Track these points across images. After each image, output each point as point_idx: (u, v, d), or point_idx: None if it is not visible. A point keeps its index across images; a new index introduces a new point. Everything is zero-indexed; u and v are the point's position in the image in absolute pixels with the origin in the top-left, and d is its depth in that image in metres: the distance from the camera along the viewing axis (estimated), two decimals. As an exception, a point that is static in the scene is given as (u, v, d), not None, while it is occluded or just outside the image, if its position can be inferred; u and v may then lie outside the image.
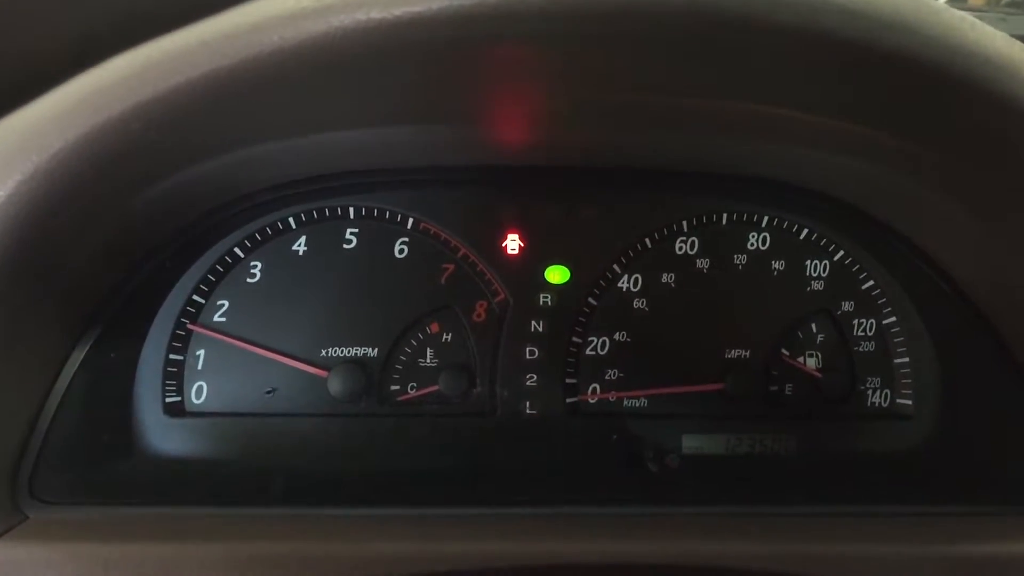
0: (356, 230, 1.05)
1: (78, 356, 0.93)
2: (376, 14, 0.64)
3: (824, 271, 1.07)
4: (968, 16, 0.69)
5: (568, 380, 1.05)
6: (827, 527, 0.86)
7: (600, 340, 1.06)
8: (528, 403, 1.04)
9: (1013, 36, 0.69)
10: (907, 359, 1.06)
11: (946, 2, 0.81)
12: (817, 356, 1.06)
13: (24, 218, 0.76)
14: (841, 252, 1.07)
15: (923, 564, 0.82)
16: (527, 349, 1.05)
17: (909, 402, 1.06)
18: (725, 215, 1.07)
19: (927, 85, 0.68)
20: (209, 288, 1.03)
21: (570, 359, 1.06)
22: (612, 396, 1.05)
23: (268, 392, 1.03)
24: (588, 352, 1.06)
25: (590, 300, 1.06)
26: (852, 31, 0.64)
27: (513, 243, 1.05)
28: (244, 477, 0.98)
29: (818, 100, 0.78)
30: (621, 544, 0.82)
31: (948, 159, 0.81)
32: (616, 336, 1.06)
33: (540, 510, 0.89)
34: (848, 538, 0.84)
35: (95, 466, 0.95)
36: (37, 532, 0.80)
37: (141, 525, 0.82)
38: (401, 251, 1.05)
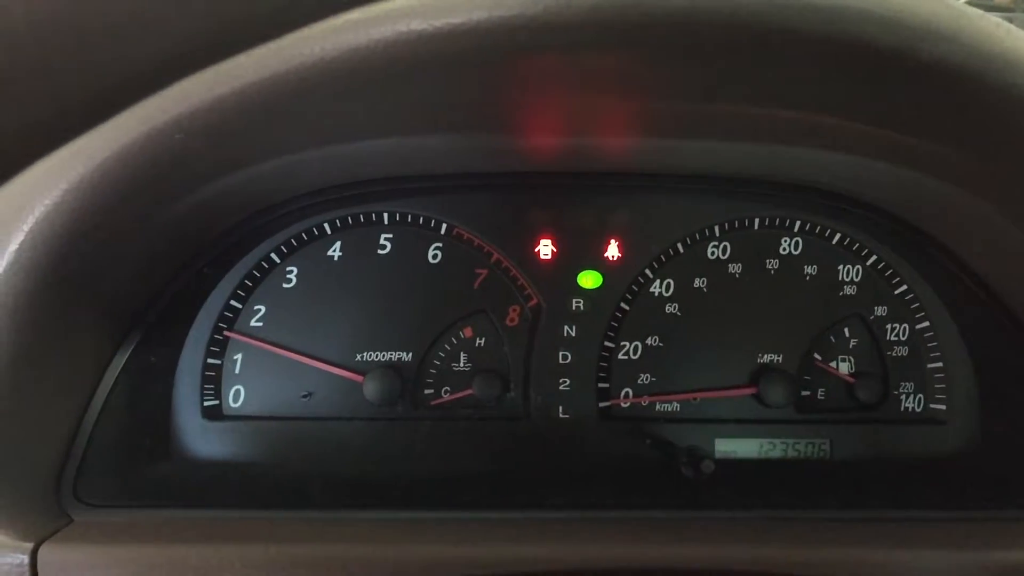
0: (390, 236, 1.06)
1: (119, 361, 0.95)
2: (416, 26, 0.65)
3: (857, 276, 1.07)
4: (1004, 23, 0.69)
5: (600, 384, 1.06)
6: (862, 532, 0.86)
7: (632, 345, 1.06)
8: (561, 407, 1.05)
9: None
10: (940, 364, 1.05)
11: (968, 1, 0.80)
12: (850, 361, 1.06)
13: (70, 226, 0.78)
14: (874, 257, 1.06)
15: (958, 570, 0.82)
16: (560, 354, 1.05)
17: (943, 407, 1.05)
18: (757, 220, 1.07)
19: (964, 92, 0.68)
20: (246, 293, 1.04)
21: (602, 363, 1.06)
22: (644, 400, 1.06)
23: (304, 396, 1.04)
24: (620, 356, 1.06)
25: (622, 305, 1.06)
26: (892, 39, 0.64)
27: (546, 248, 1.06)
28: (281, 480, 0.99)
29: (855, 107, 0.78)
30: (657, 548, 0.83)
31: (985, 165, 0.81)
32: (648, 341, 1.06)
33: (574, 514, 0.89)
34: (883, 543, 0.84)
35: (136, 469, 0.97)
36: (81, 534, 0.82)
37: (183, 528, 0.83)
38: (435, 256, 1.06)
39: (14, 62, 0.28)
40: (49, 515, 0.83)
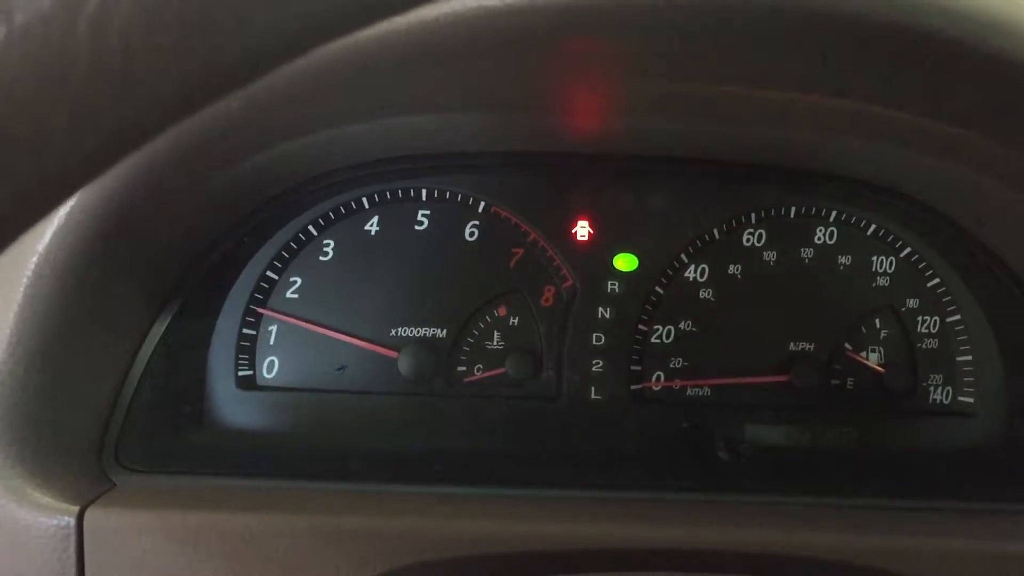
0: (428, 212, 1.06)
1: (158, 329, 0.95)
2: (488, 1, 0.65)
3: (890, 267, 1.07)
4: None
5: (633, 367, 1.07)
6: (891, 521, 0.87)
7: (666, 329, 1.07)
8: (593, 388, 1.06)
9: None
10: (970, 357, 1.06)
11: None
12: (880, 351, 1.07)
13: (120, 190, 0.78)
14: (908, 249, 1.07)
15: (988, 560, 0.83)
16: (594, 335, 1.06)
17: (971, 400, 1.06)
18: (793, 208, 1.07)
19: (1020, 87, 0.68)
20: (283, 265, 1.04)
21: (636, 346, 1.07)
22: (676, 384, 1.06)
23: (339, 369, 1.04)
24: (654, 340, 1.07)
25: (657, 289, 1.07)
26: (956, 31, 0.64)
27: (583, 229, 1.06)
28: (315, 452, 1.00)
29: (911, 98, 0.78)
30: (688, 530, 0.83)
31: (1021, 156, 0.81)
32: (682, 325, 1.07)
33: (607, 494, 0.90)
34: (913, 533, 0.85)
35: (174, 437, 0.97)
36: (125, 500, 0.82)
37: (225, 495, 0.84)
38: (472, 234, 1.06)
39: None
40: (93, 479, 0.84)
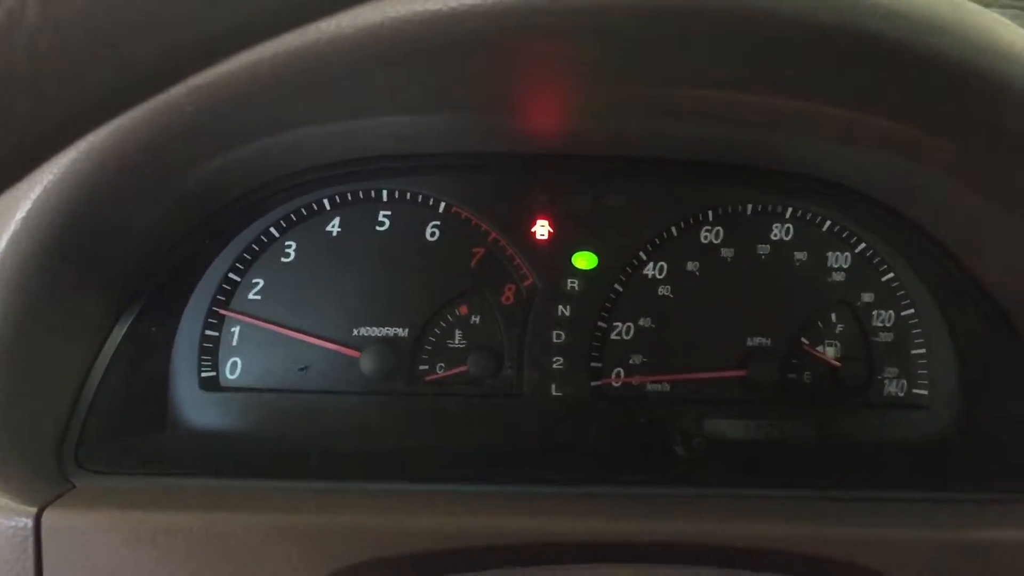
0: (389, 213, 1.07)
1: (120, 330, 0.96)
2: (432, 5, 0.66)
3: (846, 263, 1.09)
4: (1003, 18, 0.72)
5: (593, 364, 1.08)
6: (846, 510, 0.88)
7: (625, 325, 1.08)
8: (554, 385, 1.07)
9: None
10: (924, 350, 1.08)
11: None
12: (836, 346, 1.09)
13: (75, 196, 0.79)
14: (863, 244, 1.09)
15: (936, 548, 0.84)
16: (554, 333, 1.07)
17: (925, 392, 1.08)
18: (750, 206, 1.09)
19: (960, 84, 0.70)
20: (245, 267, 1.05)
21: (596, 343, 1.08)
22: (636, 380, 1.08)
23: (301, 369, 1.05)
24: (613, 337, 1.08)
25: (616, 286, 1.08)
26: (893, 32, 0.66)
27: (542, 229, 1.08)
28: (278, 451, 1.01)
29: (851, 96, 0.80)
30: (645, 523, 0.85)
31: (976, 157, 0.83)
32: (641, 322, 1.08)
33: (567, 489, 0.91)
34: (867, 521, 0.86)
35: (136, 438, 0.98)
36: (84, 500, 0.83)
37: (185, 495, 0.85)
38: (433, 234, 1.07)
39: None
40: (52, 481, 0.84)
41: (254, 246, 1.05)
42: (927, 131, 0.82)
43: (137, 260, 0.96)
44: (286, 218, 1.06)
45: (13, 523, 0.78)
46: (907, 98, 0.76)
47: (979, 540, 0.85)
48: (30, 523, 0.78)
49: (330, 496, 0.87)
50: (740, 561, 0.84)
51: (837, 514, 0.87)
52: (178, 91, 0.74)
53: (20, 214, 0.79)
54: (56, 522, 0.79)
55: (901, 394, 1.09)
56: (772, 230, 1.09)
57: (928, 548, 0.84)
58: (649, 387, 1.08)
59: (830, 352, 1.09)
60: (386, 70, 0.77)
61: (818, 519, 0.86)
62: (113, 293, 0.94)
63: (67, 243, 0.81)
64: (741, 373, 1.07)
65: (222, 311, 1.05)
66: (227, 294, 1.05)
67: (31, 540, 0.78)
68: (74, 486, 0.85)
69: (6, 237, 0.78)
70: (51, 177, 0.77)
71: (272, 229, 1.05)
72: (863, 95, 0.78)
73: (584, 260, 1.08)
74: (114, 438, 0.95)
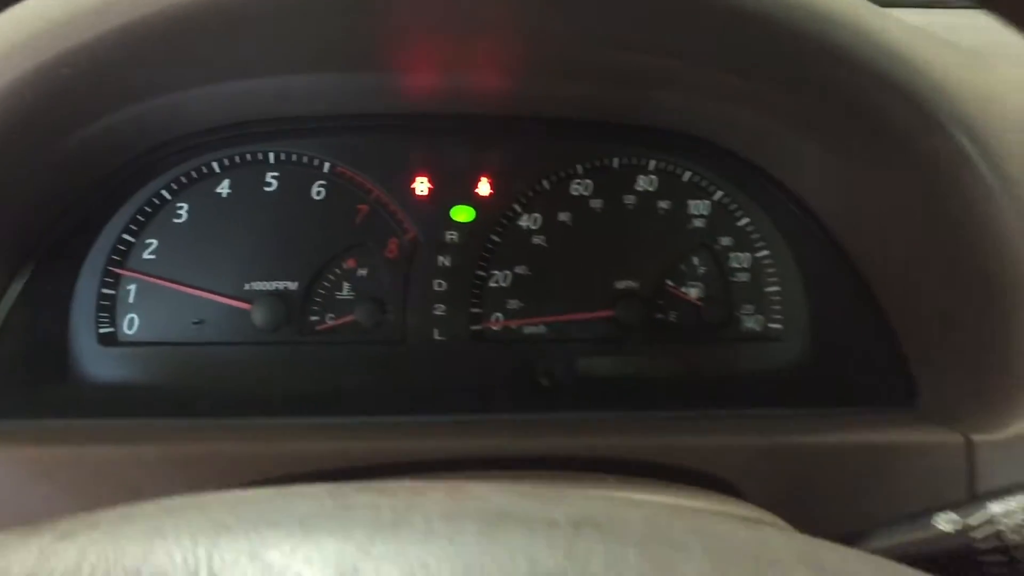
0: (276, 174, 1.14)
1: (15, 289, 1.01)
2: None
3: (705, 210, 1.18)
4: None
5: (473, 310, 1.16)
6: (701, 426, 0.95)
7: (503, 273, 1.16)
8: (436, 331, 1.15)
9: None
10: (778, 288, 1.18)
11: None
12: (699, 287, 1.18)
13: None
14: (720, 193, 1.18)
15: (786, 452, 0.92)
16: (435, 282, 1.15)
17: (780, 326, 1.18)
18: (616, 159, 1.18)
19: (785, 41, 0.79)
20: (139, 227, 1.11)
21: (475, 291, 1.16)
22: (514, 324, 1.16)
23: (196, 323, 1.11)
24: (491, 284, 1.16)
25: (493, 237, 1.16)
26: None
27: (422, 185, 1.15)
28: (175, 400, 1.07)
29: (694, 53, 0.88)
30: (512, 441, 0.92)
31: (795, 100, 0.93)
32: (518, 269, 1.16)
33: (439, 417, 0.98)
34: (721, 432, 0.93)
35: (36, 390, 1.03)
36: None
37: (82, 435, 0.90)
38: (319, 193, 1.14)
39: None
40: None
41: (147, 208, 1.11)
42: (750, 80, 0.91)
43: (29, 222, 1.01)
44: (177, 181, 1.12)
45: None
46: (742, 56, 0.85)
47: (822, 444, 0.93)
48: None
49: (217, 429, 0.93)
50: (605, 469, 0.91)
51: (693, 429, 0.95)
52: (52, 55, 0.80)
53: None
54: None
55: (758, 328, 1.18)
56: (637, 182, 1.18)
57: (777, 454, 0.92)
58: (526, 330, 1.17)
59: (693, 292, 1.18)
60: (256, 28, 0.83)
61: (674, 433, 0.94)
62: (6, 253, 0.99)
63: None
64: (610, 313, 1.15)
65: (117, 270, 1.11)
66: (122, 254, 1.11)
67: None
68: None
69: None
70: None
71: (164, 192, 1.11)
72: (705, 52, 0.87)
73: (462, 213, 1.16)
74: (13, 390, 1.00)
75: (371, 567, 0.34)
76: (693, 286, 1.18)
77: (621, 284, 1.17)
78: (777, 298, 1.18)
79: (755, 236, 1.18)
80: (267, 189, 1.13)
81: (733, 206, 1.18)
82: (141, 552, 0.34)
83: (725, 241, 1.18)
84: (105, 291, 1.10)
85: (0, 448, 0.86)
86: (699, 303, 1.17)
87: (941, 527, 0.70)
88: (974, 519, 0.67)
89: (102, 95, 0.92)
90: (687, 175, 1.18)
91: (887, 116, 0.87)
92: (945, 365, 0.98)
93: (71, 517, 0.38)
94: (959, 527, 0.69)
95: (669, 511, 0.40)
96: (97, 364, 1.09)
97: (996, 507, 0.66)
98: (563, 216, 1.17)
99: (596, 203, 1.17)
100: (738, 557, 0.36)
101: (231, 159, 1.13)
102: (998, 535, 0.65)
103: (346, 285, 1.14)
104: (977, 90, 0.87)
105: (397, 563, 0.34)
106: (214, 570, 0.33)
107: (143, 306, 1.11)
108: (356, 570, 0.34)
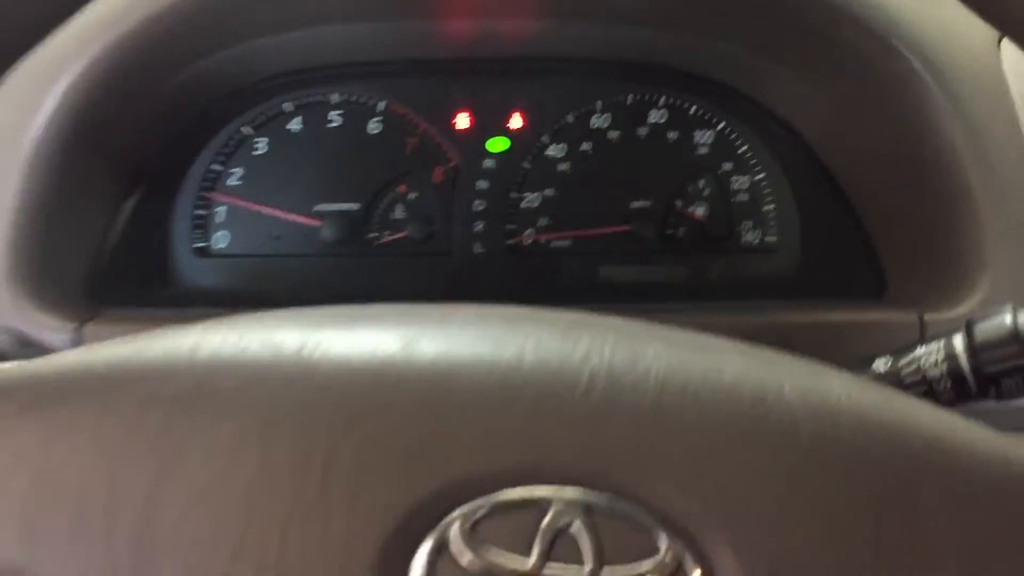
0: (339, 112, 1.33)
1: (127, 208, 1.23)
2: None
3: (709, 140, 1.35)
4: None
5: (508, 226, 1.34)
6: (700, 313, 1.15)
7: (533, 195, 1.35)
8: (476, 244, 1.34)
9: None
10: (773, 207, 1.35)
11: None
12: (704, 206, 1.35)
13: (96, 91, 1.05)
14: (723, 124, 1.35)
15: (764, 329, 1.10)
16: (475, 203, 1.34)
17: (775, 239, 1.35)
18: (631, 96, 1.35)
19: None
20: (226, 158, 1.32)
21: (509, 211, 1.34)
22: (543, 238, 1.35)
23: (274, 238, 1.32)
24: (523, 205, 1.35)
25: (524, 164, 1.34)
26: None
27: (463, 120, 1.34)
28: (256, 302, 1.27)
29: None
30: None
31: (780, 42, 1.11)
32: (546, 192, 1.35)
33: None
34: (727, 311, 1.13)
35: (145, 290, 1.25)
36: (116, 321, 1.07)
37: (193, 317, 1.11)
38: (375, 129, 1.34)
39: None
40: (86, 307, 1.11)
41: (232, 141, 1.31)
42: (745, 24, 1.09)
43: (137, 152, 1.22)
44: (257, 119, 1.32)
45: (57, 337, 1.05)
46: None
47: (797, 322, 1.11)
48: (72, 337, 1.05)
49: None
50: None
51: (696, 316, 1.13)
52: (164, 5, 1.01)
53: (50, 107, 1.05)
54: (96, 334, 1.05)
55: (756, 242, 1.36)
56: (649, 115, 1.35)
57: (762, 332, 1.08)
58: (553, 244, 1.35)
59: (699, 211, 1.35)
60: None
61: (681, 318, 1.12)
62: (121, 176, 1.21)
63: (79, 138, 1.07)
64: (626, 228, 1.34)
65: (209, 195, 1.32)
66: (213, 180, 1.31)
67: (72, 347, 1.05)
68: (103, 314, 1.12)
69: (42, 123, 1.04)
70: (72, 75, 1.03)
71: (246, 127, 1.32)
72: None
73: (498, 144, 1.34)
74: (128, 292, 1.22)
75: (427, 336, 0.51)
76: (699, 205, 1.35)
77: (636, 204, 1.34)
78: (773, 215, 1.35)
79: (753, 162, 1.35)
80: (331, 125, 1.33)
81: (734, 135, 1.35)
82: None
83: (727, 166, 1.35)
84: (199, 212, 1.31)
85: (135, 325, 1.07)
86: (704, 220, 1.35)
87: (878, 369, 0.87)
88: (903, 361, 0.85)
89: (199, 40, 1.12)
90: (693, 108, 1.35)
91: (852, 47, 1.05)
92: (911, 261, 1.16)
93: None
94: (890, 367, 0.86)
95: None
96: (193, 273, 1.31)
97: (919, 350, 0.83)
98: (585, 146, 1.35)
99: (613, 134, 1.35)
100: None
101: (301, 100, 1.32)
102: (919, 370, 0.82)
103: (399, 207, 1.34)
104: (930, 21, 1.04)
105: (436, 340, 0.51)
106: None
107: (231, 224, 1.32)
108: (417, 339, 0.52)
